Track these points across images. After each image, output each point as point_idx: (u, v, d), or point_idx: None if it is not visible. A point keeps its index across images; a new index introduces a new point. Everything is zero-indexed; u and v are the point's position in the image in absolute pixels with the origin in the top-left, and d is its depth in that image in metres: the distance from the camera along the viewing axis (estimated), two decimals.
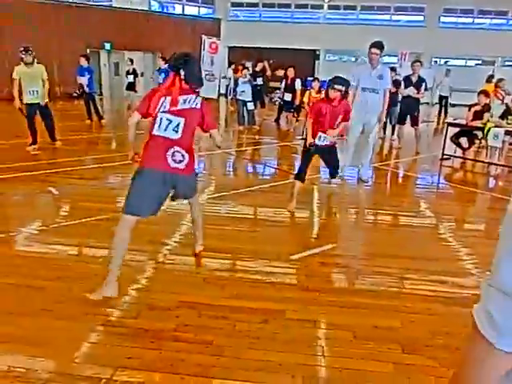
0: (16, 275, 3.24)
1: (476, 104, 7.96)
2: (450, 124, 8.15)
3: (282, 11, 21.40)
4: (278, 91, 14.27)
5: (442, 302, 3.15)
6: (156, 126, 2.95)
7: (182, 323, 2.71)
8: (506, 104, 9.65)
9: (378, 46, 5.72)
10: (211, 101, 13.86)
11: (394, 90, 8.22)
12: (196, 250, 3.65)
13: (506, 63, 21.00)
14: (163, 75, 11.32)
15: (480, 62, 20.82)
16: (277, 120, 12.04)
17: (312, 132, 4.82)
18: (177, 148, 2.96)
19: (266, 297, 3.09)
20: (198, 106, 3.05)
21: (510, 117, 7.52)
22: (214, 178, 6.60)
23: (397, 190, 6.59)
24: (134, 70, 12.30)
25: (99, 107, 11.10)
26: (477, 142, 8.18)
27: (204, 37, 13.64)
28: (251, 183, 6.17)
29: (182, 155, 2.98)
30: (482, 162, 8.02)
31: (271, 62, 12.26)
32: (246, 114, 10.92)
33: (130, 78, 12.25)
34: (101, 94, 12.79)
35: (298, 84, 10.47)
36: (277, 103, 12.98)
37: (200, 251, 3.65)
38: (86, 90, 10.28)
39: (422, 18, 20.39)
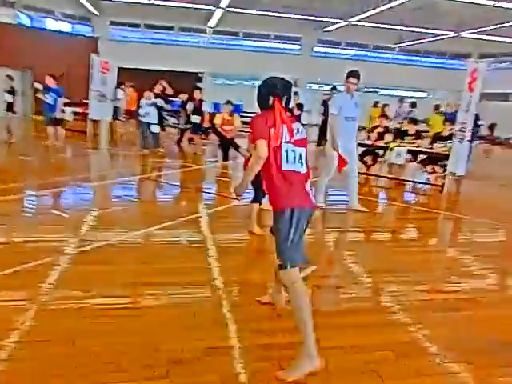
0: None
1: (378, 126, 8.85)
2: (359, 144, 8.85)
3: (165, 33, 21.16)
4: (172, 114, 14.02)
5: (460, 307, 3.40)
6: (283, 158, 2.54)
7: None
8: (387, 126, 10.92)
9: (356, 76, 5.75)
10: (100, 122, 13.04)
11: None
12: (281, 300, 3.14)
13: (365, 89, 23.91)
14: (53, 95, 10.20)
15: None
16: (179, 142, 11.74)
17: None
18: (309, 182, 2.65)
19: (287, 328, 2.91)
20: (306, 134, 2.75)
21: (405, 137, 8.49)
22: (148, 207, 6.09)
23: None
24: (13, 89, 10.83)
25: None
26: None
27: (93, 55, 12.75)
28: (193, 209, 5.83)
29: (311, 189, 2.69)
30: (386, 177, 8.88)
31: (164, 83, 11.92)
32: (149, 136, 10.43)
33: (9, 97, 10.72)
34: None
35: (206, 106, 10.41)
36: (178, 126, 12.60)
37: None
38: None
39: (298, 46, 22.10)
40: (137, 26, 20.99)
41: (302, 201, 2.57)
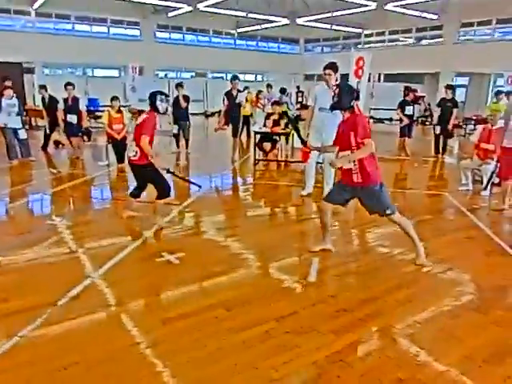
0: None
1: (272, 113, 9.26)
2: (256, 132, 9.14)
3: None
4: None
5: None
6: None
7: None
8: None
9: (332, 67, 5.79)
10: None
11: None
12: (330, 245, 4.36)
13: (215, 75, 24.32)
14: None
15: (194, 74, 23.29)
16: (44, 147, 10.24)
17: None
18: None
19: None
20: None
21: (300, 122, 9.08)
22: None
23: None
24: None
25: None
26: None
27: None
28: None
29: None
30: (288, 161, 9.41)
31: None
32: (17, 144, 8.84)
33: None
34: None
35: (82, 104, 9.25)
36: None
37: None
38: None
39: (138, 32, 21.00)
40: None
41: None
